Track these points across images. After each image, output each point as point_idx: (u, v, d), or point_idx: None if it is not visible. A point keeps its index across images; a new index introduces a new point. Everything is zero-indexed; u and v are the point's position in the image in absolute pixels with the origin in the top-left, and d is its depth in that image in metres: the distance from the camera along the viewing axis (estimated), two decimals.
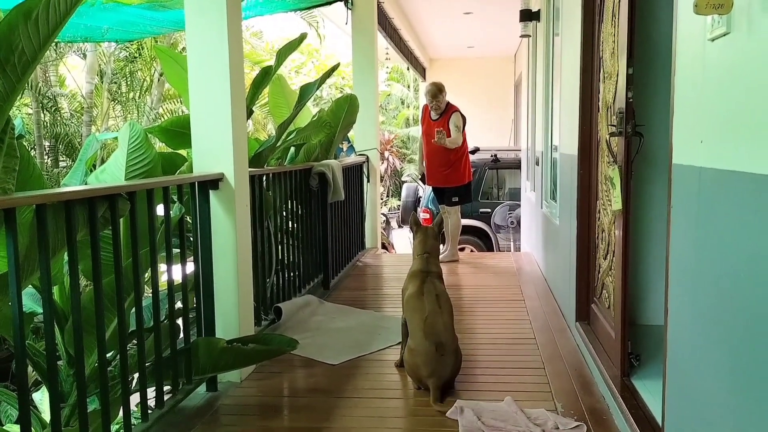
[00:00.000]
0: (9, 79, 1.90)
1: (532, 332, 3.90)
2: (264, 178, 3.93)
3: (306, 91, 4.51)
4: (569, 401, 2.86)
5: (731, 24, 1.54)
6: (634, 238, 3.17)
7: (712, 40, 1.65)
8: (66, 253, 2.22)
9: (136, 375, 2.67)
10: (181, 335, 3.03)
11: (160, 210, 2.77)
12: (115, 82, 11.27)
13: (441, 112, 6.11)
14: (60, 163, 10.22)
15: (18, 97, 2.09)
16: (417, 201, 9.98)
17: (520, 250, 8.32)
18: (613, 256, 3.01)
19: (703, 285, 1.77)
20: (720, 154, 1.63)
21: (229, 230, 3.08)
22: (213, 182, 3.04)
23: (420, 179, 6.41)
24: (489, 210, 9.59)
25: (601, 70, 3.28)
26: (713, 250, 1.69)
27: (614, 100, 2.91)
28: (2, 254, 2.33)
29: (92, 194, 2.25)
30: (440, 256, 3.54)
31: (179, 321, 3.00)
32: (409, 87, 21.58)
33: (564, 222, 4.27)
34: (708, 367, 1.73)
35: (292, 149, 5.02)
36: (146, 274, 2.78)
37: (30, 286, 2.71)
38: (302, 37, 4.40)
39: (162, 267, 2.90)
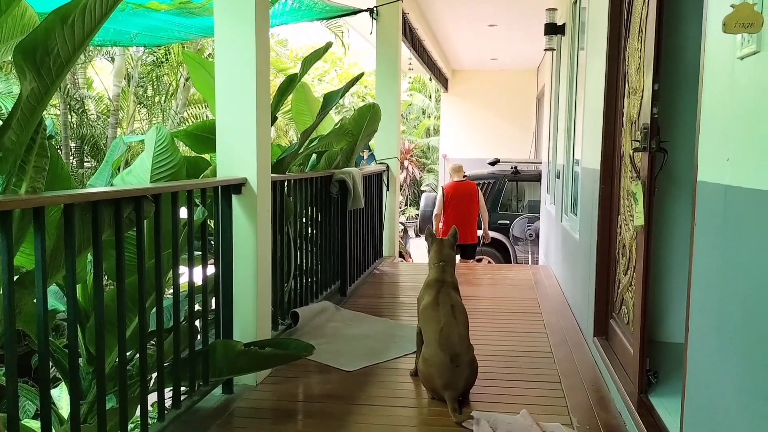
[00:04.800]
0: (44, 81, 1.94)
1: (549, 346, 3.88)
2: (285, 184, 3.96)
3: (329, 100, 4.55)
4: (585, 416, 2.83)
5: (762, 43, 1.53)
6: (655, 255, 3.14)
7: (741, 58, 1.65)
8: (90, 253, 2.25)
9: (154, 375, 2.70)
10: (199, 337, 3.06)
11: (183, 213, 2.81)
12: (142, 86, 11.44)
13: None
14: (85, 164, 10.38)
15: (50, 99, 2.14)
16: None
17: (538, 263, 8.28)
18: (634, 271, 2.98)
19: (726, 304, 1.75)
20: (747, 172, 1.62)
21: (250, 234, 3.11)
22: (236, 187, 3.07)
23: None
24: (507, 222, 9.57)
25: (626, 85, 3.27)
26: (738, 269, 1.67)
27: (639, 116, 2.90)
28: (29, 252, 2.38)
29: (119, 195, 2.29)
30: None
31: (198, 323, 3.03)
32: (430, 97, 21.63)
33: (584, 236, 4.25)
34: (729, 387, 1.71)
35: (314, 156, 5.06)
36: (168, 276, 2.81)
37: (53, 284, 2.76)
38: (327, 45, 4.45)
39: (183, 269, 2.94)
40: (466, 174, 10.10)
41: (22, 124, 1.97)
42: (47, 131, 2.28)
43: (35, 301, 2.00)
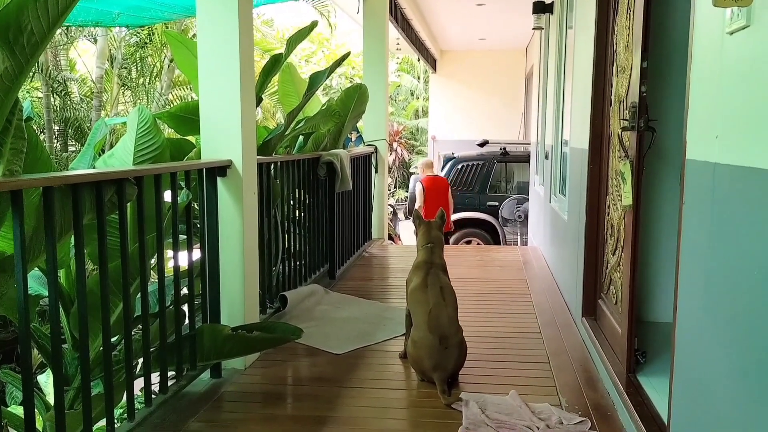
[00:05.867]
0: (17, 60, 1.89)
1: (538, 326, 3.88)
2: (272, 166, 3.92)
3: (316, 80, 4.49)
4: (574, 396, 2.84)
5: (751, 17, 1.50)
6: (643, 234, 3.14)
7: (731, 33, 1.62)
8: (72, 237, 2.21)
9: (141, 360, 2.68)
10: (186, 321, 3.03)
11: (167, 196, 2.76)
12: (126, 68, 11.27)
13: None
14: (69, 147, 10.25)
15: (26, 79, 2.08)
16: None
17: (527, 244, 8.29)
18: (622, 251, 2.98)
19: (714, 283, 1.75)
20: (736, 149, 1.60)
21: (236, 218, 3.07)
22: (221, 169, 3.03)
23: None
24: (497, 203, 9.56)
25: (615, 64, 3.24)
26: (727, 248, 1.66)
27: (627, 94, 2.88)
28: (9, 236, 2.34)
29: (100, 178, 2.25)
30: None
31: (184, 307, 3.00)
32: (419, 78, 21.50)
33: (573, 217, 4.24)
34: (717, 366, 1.71)
35: (301, 138, 5.01)
36: (152, 260, 2.78)
37: (36, 268, 2.71)
38: (313, 25, 4.37)
39: (168, 253, 2.90)
40: (455, 155, 10.11)
41: None
42: (24, 113, 2.22)
43: (16, 286, 1.96)
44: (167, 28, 9.36)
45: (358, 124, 6.36)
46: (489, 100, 14.07)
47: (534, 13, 6.65)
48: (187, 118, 3.74)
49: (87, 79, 11.72)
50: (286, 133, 4.41)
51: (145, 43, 11.07)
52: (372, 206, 6.73)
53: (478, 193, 9.73)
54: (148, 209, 2.52)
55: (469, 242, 9.43)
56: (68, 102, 10.22)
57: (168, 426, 2.56)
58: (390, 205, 11.91)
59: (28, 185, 2.00)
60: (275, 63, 4.10)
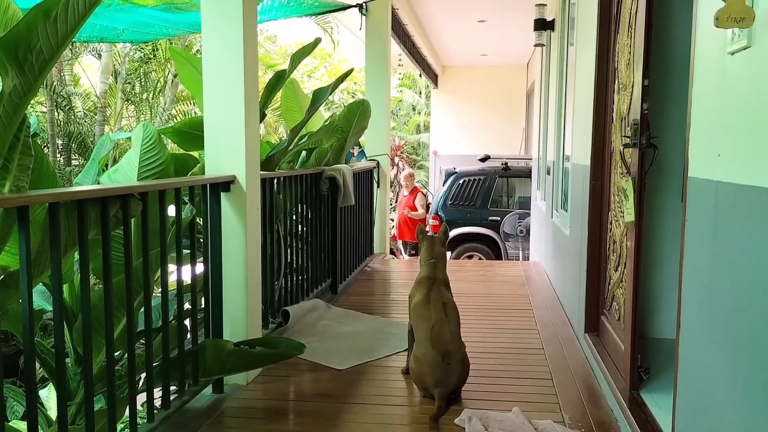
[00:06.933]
0: (26, 78, 1.91)
1: (540, 342, 3.88)
2: (275, 181, 3.93)
3: (319, 96, 4.52)
4: (577, 413, 2.83)
5: (753, 38, 1.52)
6: (646, 251, 3.15)
7: (732, 53, 1.64)
8: (77, 252, 2.22)
9: (143, 375, 2.68)
10: (189, 336, 3.03)
11: (171, 211, 2.77)
12: (129, 83, 11.34)
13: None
14: (72, 161, 10.29)
15: (34, 96, 2.10)
16: (426, 208, 10.00)
17: (528, 260, 8.29)
18: (625, 267, 2.98)
19: (717, 299, 1.75)
20: (738, 168, 1.62)
21: (240, 232, 3.08)
22: (225, 184, 3.04)
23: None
24: (498, 218, 9.57)
25: (616, 81, 3.26)
26: (729, 265, 1.67)
27: (629, 111, 2.90)
28: (14, 251, 2.35)
29: (105, 194, 2.26)
30: None
31: (187, 322, 3.00)
32: (420, 94, 21.60)
33: (575, 232, 4.25)
34: (721, 383, 1.71)
35: (304, 153, 5.03)
36: (156, 275, 2.78)
37: (40, 283, 2.72)
38: (316, 41, 4.41)
39: (172, 268, 2.91)
40: (456, 170, 10.15)
41: (5, 122, 1.94)
42: (31, 129, 2.24)
43: (21, 301, 1.97)
44: (171, 43, 9.44)
45: (360, 139, 6.38)
46: (490, 115, 14.13)
47: (535, 30, 6.70)
48: (191, 133, 3.77)
49: (91, 94, 11.79)
50: (289, 148, 4.43)
51: (149, 58, 11.17)
52: (374, 221, 6.74)
53: (480, 208, 9.75)
54: (152, 224, 2.53)
55: (470, 257, 9.42)
56: (72, 116, 10.29)
57: None
58: (392, 219, 11.91)
59: (35, 201, 2.02)
60: (279, 79, 4.13)
